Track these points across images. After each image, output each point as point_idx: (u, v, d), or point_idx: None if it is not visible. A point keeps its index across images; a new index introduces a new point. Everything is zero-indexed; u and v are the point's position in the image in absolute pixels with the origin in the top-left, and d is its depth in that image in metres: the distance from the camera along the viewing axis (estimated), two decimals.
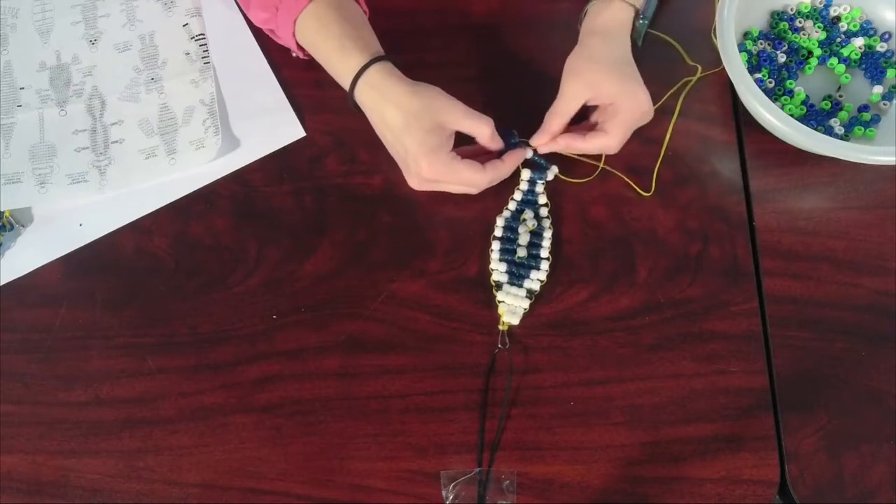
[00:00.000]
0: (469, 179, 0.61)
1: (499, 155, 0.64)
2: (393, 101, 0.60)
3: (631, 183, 0.66)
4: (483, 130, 0.61)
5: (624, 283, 0.64)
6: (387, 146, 0.64)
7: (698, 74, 0.69)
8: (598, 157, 0.67)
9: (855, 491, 0.58)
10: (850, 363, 0.62)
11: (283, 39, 0.67)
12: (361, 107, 0.63)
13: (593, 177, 0.67)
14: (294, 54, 0.69)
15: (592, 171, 0.67)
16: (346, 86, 0.62)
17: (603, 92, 0.61)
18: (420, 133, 0.59)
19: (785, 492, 0.59)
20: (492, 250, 0.65)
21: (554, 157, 0.66)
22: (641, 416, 0.61)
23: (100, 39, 0.74)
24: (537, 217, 0.66)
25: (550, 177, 0.66)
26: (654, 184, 0.67)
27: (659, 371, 0.62)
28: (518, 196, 0.66)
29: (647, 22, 0.63)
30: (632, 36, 0.65)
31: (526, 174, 0.66)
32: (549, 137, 0.63)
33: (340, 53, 0.62)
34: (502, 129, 0.64)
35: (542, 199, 0.66)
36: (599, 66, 0.62)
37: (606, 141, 0.62)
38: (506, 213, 0.66)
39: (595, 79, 0.61)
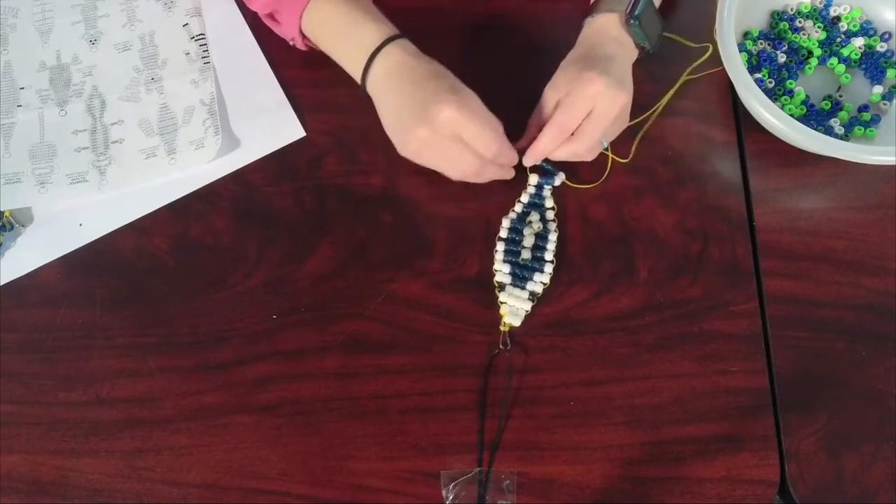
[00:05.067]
0: (490, 131, 0.60)
1: None
2: (428, 62, 0.62)
3: (611, 155, 0.66)
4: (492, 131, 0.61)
5: (624, 283, 0.64)
6: (394, 109, 0.62)
7: (710, 52, 0.68)
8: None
9: (855, 491, 0.58)
10: (850, 363, 0.62)
11: (285, 24, 0.66)
12: (380, 72, 0.62)
13: (601, 181, 0.66)
14: (291, 42, 0.68)
15: (599, 175, 0.67)
16: (368, 53, 0.62)
17: (560, 90, 0.61)
18: (449, 81, 0.60)
19: (785, 492, 0.59)
20: (496, 251, 0.65)
21: (562, 162, 0.66)
22: (641, 416, 0.61)
23: (100, 39, 0.74)
24: (543, 220, 0.66)
25: (558, 182, 0.66)
26: (633, 150, 0.66)
27: (659, 371, 0.62)
28: (525, 199, 0.66)
29: (637, 22, 0.63)
30: (640, 45, 0.65)
31: (533, 179, 0.66)
32: (528, 141, 0.64)
33: (365, 24, 0.63)
34: None
35: (549, 203, 0.66)
36: (561, 71, 0.63)
37: (547, 134, 0.62)
38: (511, 215, 0.66)
39: (555, 82, 0.62)
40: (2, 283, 0.66)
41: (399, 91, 0.62)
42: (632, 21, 0.62)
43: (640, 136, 0.66)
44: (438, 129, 0.59)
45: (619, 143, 0.66)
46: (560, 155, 0.63)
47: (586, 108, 0.61)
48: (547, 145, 0.62)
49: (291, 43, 0.68)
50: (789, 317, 0.63)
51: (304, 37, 0.67)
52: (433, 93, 0.59)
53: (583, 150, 0.63)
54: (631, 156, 0.66)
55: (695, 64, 0.69)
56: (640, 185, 0.67)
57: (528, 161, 0.64)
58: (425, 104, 0.59)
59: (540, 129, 0.63)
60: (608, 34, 0.63)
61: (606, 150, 0.66)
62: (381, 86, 0.63)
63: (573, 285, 0.64)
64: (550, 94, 0.63)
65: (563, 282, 0.64)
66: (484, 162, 0.62)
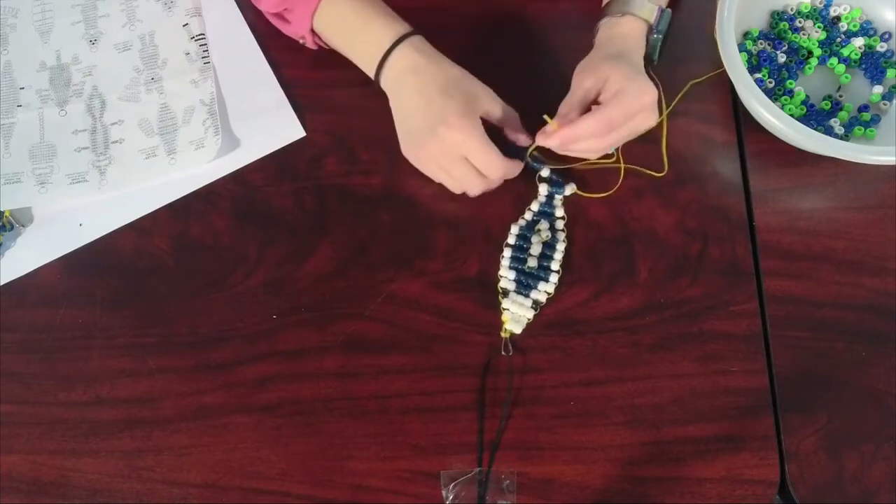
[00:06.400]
0: (490, 159, 0.60)
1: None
2: (439, 64, 0.62)
3: (642, 169, 0.66)
4: (510, 120, 0.63)
5: (624, 283, 0.64)
6: (407, 116, 0.63)
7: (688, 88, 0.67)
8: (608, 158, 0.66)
9: (855, 491, 0.58)
10: (850, 363, 0.62)
11: (296, 22, 0.66)
12: (393, 73, 0.63)
13: (614, 190, 0.66)
14: (301, 41, 0.68)
15: (612, 184, 0.66)
16: (381, 52, 0.62)
17: (611, 83, 0.60)
18: (460, 96, 0.60)
19: (785, 492, 0.59)
20: (502, 257, 0.65)
21: (569, 168, 0.66)
22: (641, 416, 0.61)
23: (100, 39, 0.74)
24: (552, 229, 0.66)
25: (568, 192, 0.66)
26: (665, 163, 0.66)
27: (659, 371, 0.62)
28: (535, 207, 0.66)
29: (661, 37, 0.62)
30: (647, 52, 0.65)
31: (543, 189, 0.66)
32: (564, 121, 0.61)
33: (378, 22, 0.63)
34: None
35: (560, 212, 0.66)
36: (610, 62, 0.61)
37: (591, 122, 0.59)
38: (521, 222, 0.66)
39: (604, 72, 0.60)
40: (2, 283, 0.66)
41: (411, 99, 0.62)
42: (657, 34, 0.62)
43: (664, 145, 0.67)
44: (447, 149, 0.60)
45: (644, 153, 0.66)
46: (578, 147, 0.61)
47: (634, 114, 0.60)
48: (584, 133, 0.60)
49: (301, 42, 0.68)
50: (789, 317, 0.63)
51: (314, 35, 0.67)
52: (443, 112, 0.60)
53: (600, 147, 0.62)
54: (665, 169, 0.67)
55: (694, 81, 0.69)
56: (640, 186, 0.67)
57: (553, 143, 0.61)
58: (435, 124, 0.60)
59: (571, 113, 0.61)
60: (634, 39, 0.63)
61: (613, 154, 0.66)
62: (394, 88, 0.63)
63: (573, 285, 0.64)
64: (584, 83, 0.61)
65: (563, 282, 0.64)
66: (487, 181, 0.62)
